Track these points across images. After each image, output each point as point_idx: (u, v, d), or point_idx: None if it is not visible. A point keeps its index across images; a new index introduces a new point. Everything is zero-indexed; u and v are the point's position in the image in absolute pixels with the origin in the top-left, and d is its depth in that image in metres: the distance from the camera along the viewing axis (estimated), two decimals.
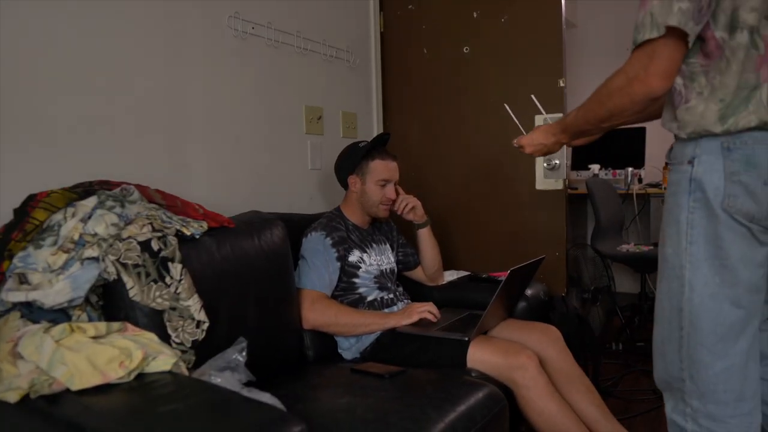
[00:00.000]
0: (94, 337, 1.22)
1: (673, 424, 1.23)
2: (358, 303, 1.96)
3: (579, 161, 4.09)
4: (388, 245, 2.16)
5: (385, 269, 2.07)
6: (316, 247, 1.92)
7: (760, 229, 1.10)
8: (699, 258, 1.13)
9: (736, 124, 1.08)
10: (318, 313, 1.84)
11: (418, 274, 2.28)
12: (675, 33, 1.04)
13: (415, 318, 1.87)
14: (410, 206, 2.13)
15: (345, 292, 1.97)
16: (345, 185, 2.11)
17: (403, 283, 2.22)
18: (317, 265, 1.89)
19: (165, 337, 1.35)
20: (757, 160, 1.07)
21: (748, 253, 1.11)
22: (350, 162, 2.08)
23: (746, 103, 1.08)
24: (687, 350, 1.16)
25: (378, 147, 2.08)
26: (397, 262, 2.20)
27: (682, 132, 1.14)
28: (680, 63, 1.08)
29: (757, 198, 1.08)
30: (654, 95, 1.09)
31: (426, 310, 1.89)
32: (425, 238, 2.18)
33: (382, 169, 2.04)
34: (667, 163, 1.22)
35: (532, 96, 1.93)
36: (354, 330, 1.87)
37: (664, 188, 3.08)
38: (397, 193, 2.11)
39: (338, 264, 1.93)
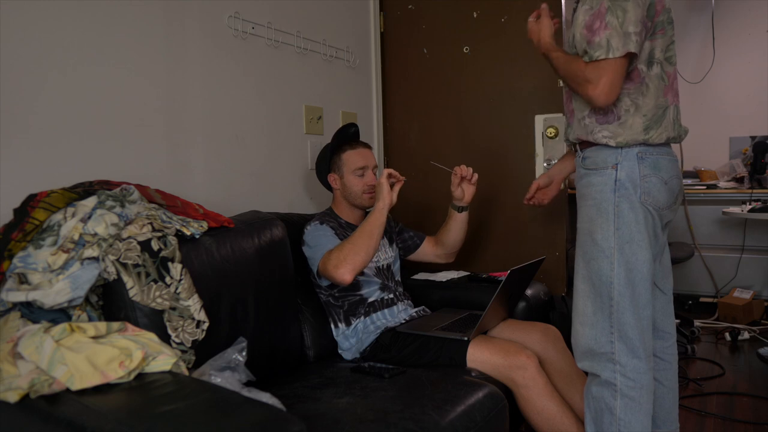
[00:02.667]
0: (94, 337, 1.22)
1: (598, 393, 1.52)
2: (359, 305, 1.96)
3: None
4: (385, 239, 2.16)
5: (382, 265, 2.07)
6: (317, 233, 1.94)
7: (663, 214, 1.52)
8: (625, 240, 1.47)
9: (654, 138, 1.48)
10: (340, 261, 1.80)
11: (424, 252, 2.26)
12: (626, 57, 1.41)
13: (386, 186, 1.89)
14: (474, 181, 2.14)
15: (347, 292, 1.97)
16: (329, 188, 2.12)
17: (404, 283, 2.22)
18: (322, 243, 1.90)
19: (165, 337, 1.35)
20: (660, 166, 1.49)
21: (657, 232, 1.52)
22: (324, 162, 2.09)
23: (661, 120, 1.49)
24: (617, 316, 1.49)
25: (348, 139, 2.09)
26: (399, 249, 2.21)
27: (611, 141, 1.49)
28: (623, 80, 1.44)
29: (660, 193, 1.49)
30: (600, 102, 1.43)
31: (389, 176, 1.91)
32: (462, 220, 2.18)
33: (355, 158, 2.05)
34: (582, 167, 1.57)
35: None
36: (373, 233, 1.84)
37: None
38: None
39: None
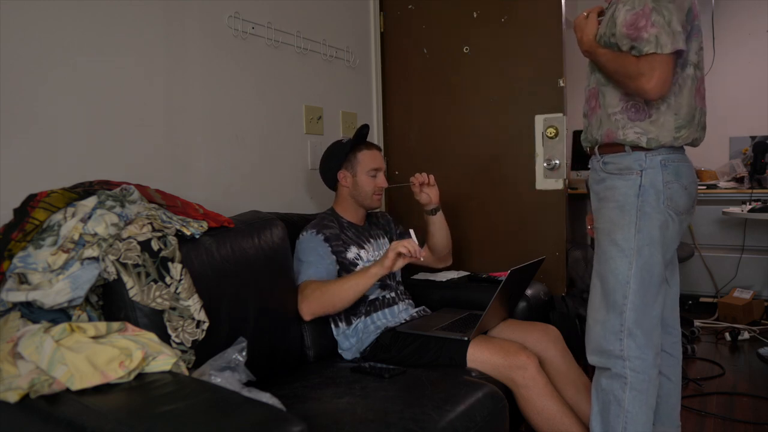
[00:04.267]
0: (94, 337, 1.22)
1: (608, 385, 1.58)
2: (360, 303, 1.95)
3: (579, 161, 4.08)
4: (386, 239, 2.16)
5: None
6: (309, 245, 1.92)
7: (682, 219, 1.59)
8: (645, 242, 1.54)
9: (682, 138, 1.55)
10: (308, 299, 1.82)
11: (424, 257, 2.26)
12: (673, 54, 1.44)
13: (391, 257, 1.76)
14: (433, 182, 2.13)
15: None
16: (333, 185, 2.12)
17: (404, 283, 2.22)
18: (311, 261, 1.89)
19: (165, 337, 1.35)
20: (681, 172, 1.57)
21: (674, 236, 1.59)
22: (337, 158, 2.08)
23: (692, 121, 1.56)
24: (629, 314, 1.55)
25: (361, 139, 2.09)
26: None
27: (642, 138, 1.54)
28: (672, 77, 1.47)
29: (681, 198, 1.56)
30: (651, 96, 1.46)
31: (403, 250, 1.76)
32: (439, 221, 2.18)
33: (370, 158, 2.06)
34: (602, 171, 1.63)
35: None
36: (347, 293, 1.81)
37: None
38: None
39: (334, 257, 1.93)
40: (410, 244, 1.78)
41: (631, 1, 1.48)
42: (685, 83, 1.54)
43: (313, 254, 1.91)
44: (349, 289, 1.82)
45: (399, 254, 1.78)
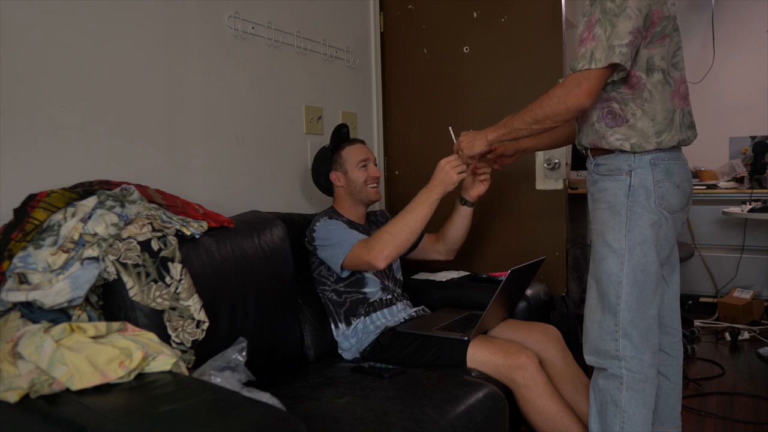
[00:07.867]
0: (94, 337, 1.22)
1: (604, 385, 1.58)
2: (360, 304, 1.96)
3: (579, 161, 4.08)
4: None
5: None
6: (330, 226, 1.94)
7: (676, 217, 1.58)
8: (636, 241, 1.53)
9: (666, 142, 1.53)
10: (377, 246, 1.82)
11: (423, 249, 2.23)
12: (608, 68, 1.44)
13: (456, 180, 1.85)
14: (487, 176, 2.10)
15: (351, 287, 1.97)
16: (329, 189, 2.13)
17: (404, 283, 2.22)
18: (341, 233, 1.91)
19: (165, 337, 1.35)
20: (673, 171, 1.55)
21: (669, 235, 1.58)
22: (325, 163, 2.10)
23: (671, 124, 1.54)
24: (623, 314, 1.54)
25: (343, 138, 2.11)
26: None
27: (625, 143, 1.54)
28: (601, 88, 1.48)
29: (674, 197, 1.55)
30: (582, 107, 1.48)
31: (459, 169, 1.85)
32: (468, 215, 2.16)
33: (355, 152, 2.07)
34: (595, 173, 1.63)
35: (450, 128, 2.11)
36: (414, 223, 1.83)
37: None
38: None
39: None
40: (458, 161, 1.85)
41: (588, 12, 1.48)
42: (655, 89, 1.51)
43: (341, 230, 1.92)
44: (412, 218, 1.85)
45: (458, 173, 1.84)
